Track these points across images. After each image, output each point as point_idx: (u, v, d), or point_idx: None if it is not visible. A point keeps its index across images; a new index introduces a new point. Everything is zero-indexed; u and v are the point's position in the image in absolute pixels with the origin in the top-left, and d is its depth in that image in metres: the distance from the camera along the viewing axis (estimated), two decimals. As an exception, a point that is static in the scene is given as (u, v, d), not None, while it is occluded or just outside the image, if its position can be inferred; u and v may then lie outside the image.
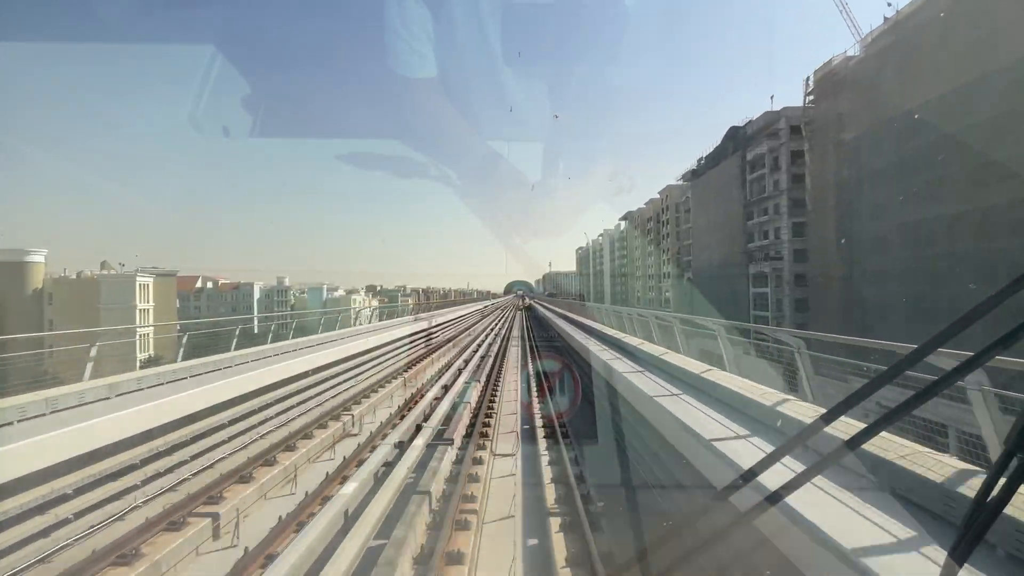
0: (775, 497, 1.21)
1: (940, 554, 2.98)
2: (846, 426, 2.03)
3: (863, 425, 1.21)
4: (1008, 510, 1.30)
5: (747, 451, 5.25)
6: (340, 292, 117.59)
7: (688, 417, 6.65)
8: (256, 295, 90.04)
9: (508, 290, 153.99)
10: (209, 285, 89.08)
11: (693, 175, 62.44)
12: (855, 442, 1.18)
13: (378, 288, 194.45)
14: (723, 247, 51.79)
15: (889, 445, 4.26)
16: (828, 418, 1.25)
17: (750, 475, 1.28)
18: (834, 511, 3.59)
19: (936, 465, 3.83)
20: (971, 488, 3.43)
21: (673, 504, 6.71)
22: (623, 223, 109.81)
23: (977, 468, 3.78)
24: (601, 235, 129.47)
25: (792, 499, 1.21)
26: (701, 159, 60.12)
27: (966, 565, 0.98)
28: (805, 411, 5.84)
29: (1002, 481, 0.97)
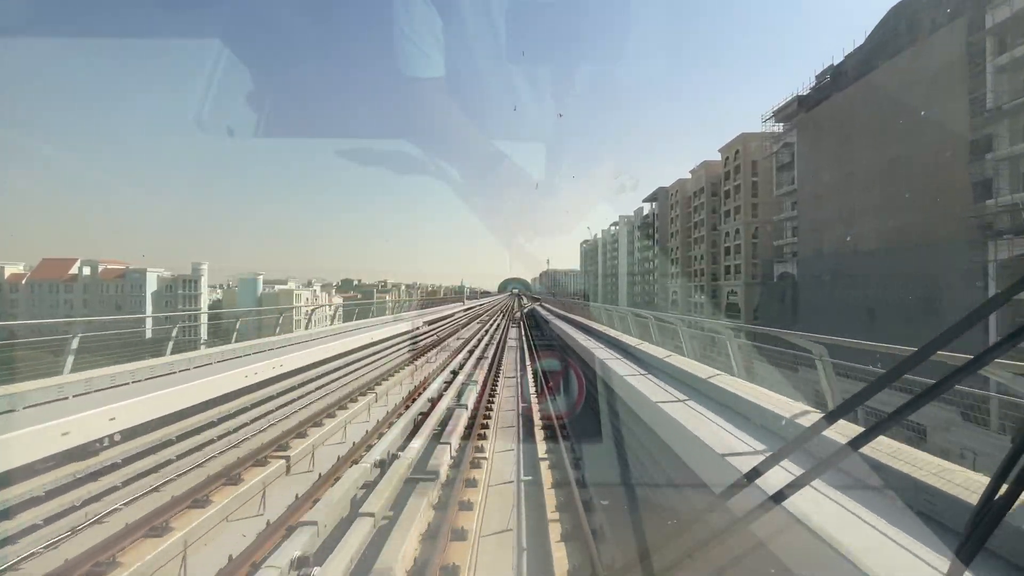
0: (777, 498, 1.20)
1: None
2: (847, 429, 2.18)
3: (863, 428, 1.20)
4: (1013, 515, 1.02)
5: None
6: (291, 285, 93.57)
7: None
8: (152, 287, 65.12)
9: (503, 288, 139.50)
10: (87, 271, 64.34)
11: (800, 105, 38.56)
12: (856, 444, 1.17)
13: (355, 282, 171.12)
14: (892, 216, 28.01)
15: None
16: (829, 420, 1.23)
17: (752, 476, 1.27)
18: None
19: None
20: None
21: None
22: (648, 205, 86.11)
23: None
24: (615, 223, 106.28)
25: (793, 501, 1.19)
26: (824, 74, 36.19)
27: (970, 570, 0.96)
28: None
29: (1005, 486, 0.95)
